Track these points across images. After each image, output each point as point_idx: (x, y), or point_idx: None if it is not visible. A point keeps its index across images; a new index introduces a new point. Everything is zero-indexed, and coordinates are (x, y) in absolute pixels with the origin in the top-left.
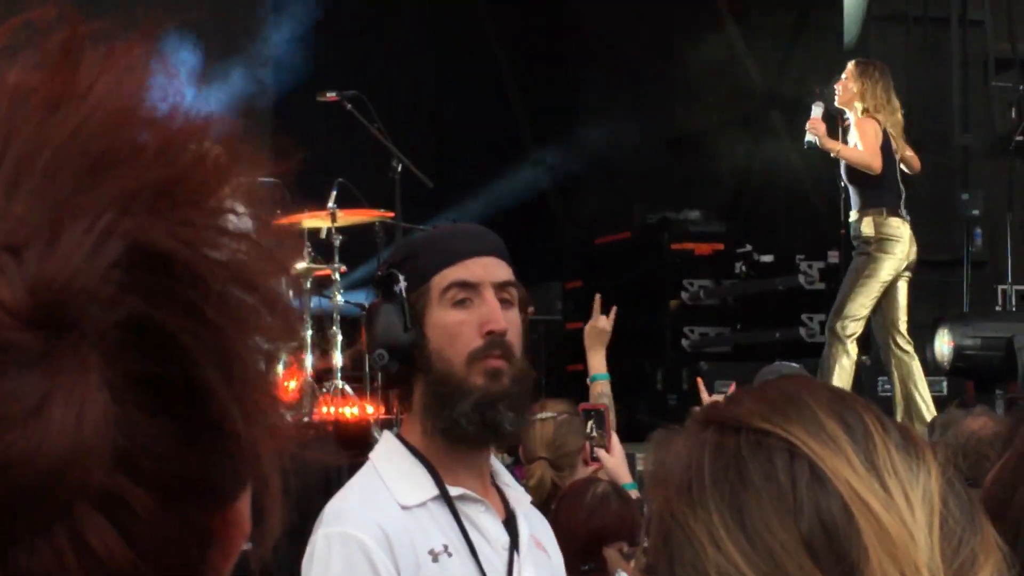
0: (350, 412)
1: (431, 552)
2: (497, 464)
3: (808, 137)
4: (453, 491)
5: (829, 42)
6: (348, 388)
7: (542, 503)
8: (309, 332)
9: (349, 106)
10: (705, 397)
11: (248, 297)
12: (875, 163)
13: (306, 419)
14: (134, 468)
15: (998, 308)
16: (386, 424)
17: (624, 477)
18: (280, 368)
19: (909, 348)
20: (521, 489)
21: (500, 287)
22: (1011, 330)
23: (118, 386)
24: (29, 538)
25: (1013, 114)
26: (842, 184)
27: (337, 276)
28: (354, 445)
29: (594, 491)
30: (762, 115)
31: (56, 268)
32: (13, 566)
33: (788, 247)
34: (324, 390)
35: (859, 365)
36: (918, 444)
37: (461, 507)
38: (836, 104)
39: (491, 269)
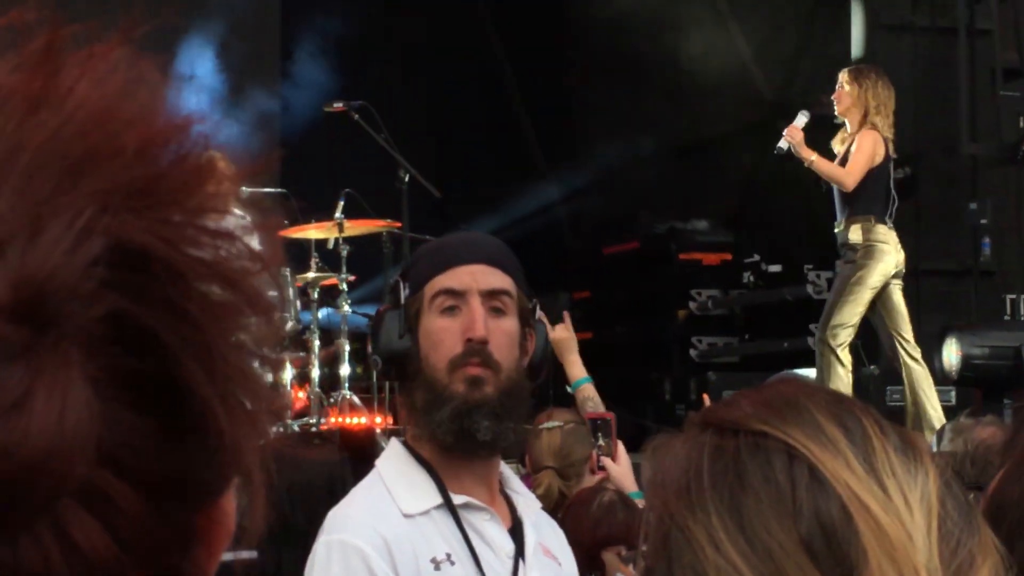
0: (357, 422)
1: (433, 560)
2: (508, 471)
3: (781, 143)
4: (457, 499)
5: (836, 52)
6: (356, 399)
7: (549, 512)
8: (317, 343)
9: (356, 116)
10: None
11: (230, 295)
12: (848, 180)
13: (313, 429)
14: (117, 463)
15: (1006, 317)
16: (393, 434)
17: (630, 486)
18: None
19: (917, 355)
20: (532, 496)
21: (489, 295)
22: (1019, 339)
23: (100, 382)
24: (12, 533)
25: (1021, 123)
26: (823, 189)
27: (344, 286)
28: (359, 454)
29: (600, 500)
30: (769, 124)
31: (37, 264)
32: None
33: (796, 257)
34: (332, 400)
35: (867, 375)
36: (916, 447)
37: (465, 515)
38: (836, 114)
39: (480, 277)
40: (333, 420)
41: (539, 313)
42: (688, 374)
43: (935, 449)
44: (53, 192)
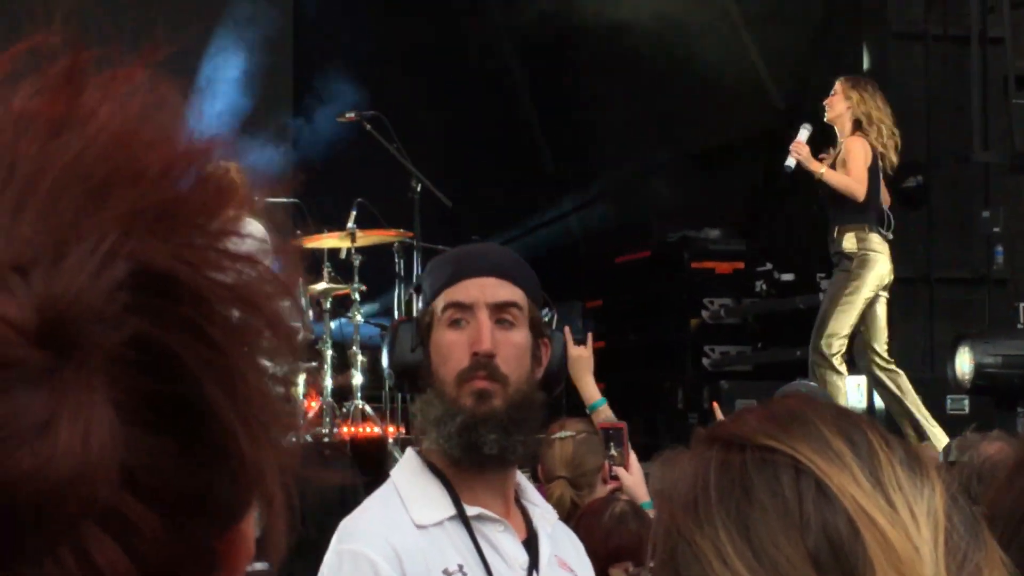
0: (369, 431)
1: (445, 572)
2: (525, 482)
3: (788, 160)
4: (470, 510)
5: (849, 60)
6: (368, 408)
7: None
8: (329, 353)
9: (368, 126)
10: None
11: (251, 317)
12: (859, 190)
13: (325, 439)
14: (139, 487)
15: (1019, 326)
16: (405, 444)
17: (643, 495)
18: (299, 389)
19: (892, 365)
20: (548, 508)
21: (498, 308)
22: None
23: (123, 405)
24: (36, 555)
25: None
26: (819, 196)
27: (356, 296)
28: (371, 464)
29: (612, 511)
30: (781, 133)
31: (62, 287)
32: None
33: (808, 266)
34: (344, 410)
35: (871, 385)
36: (922, 461)
37: (478, 527)
38: (826, 120)
39: (488, 290)
40: (345, 430)
41: (565, 332)
42: (700, 383)
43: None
44: (76, 215)
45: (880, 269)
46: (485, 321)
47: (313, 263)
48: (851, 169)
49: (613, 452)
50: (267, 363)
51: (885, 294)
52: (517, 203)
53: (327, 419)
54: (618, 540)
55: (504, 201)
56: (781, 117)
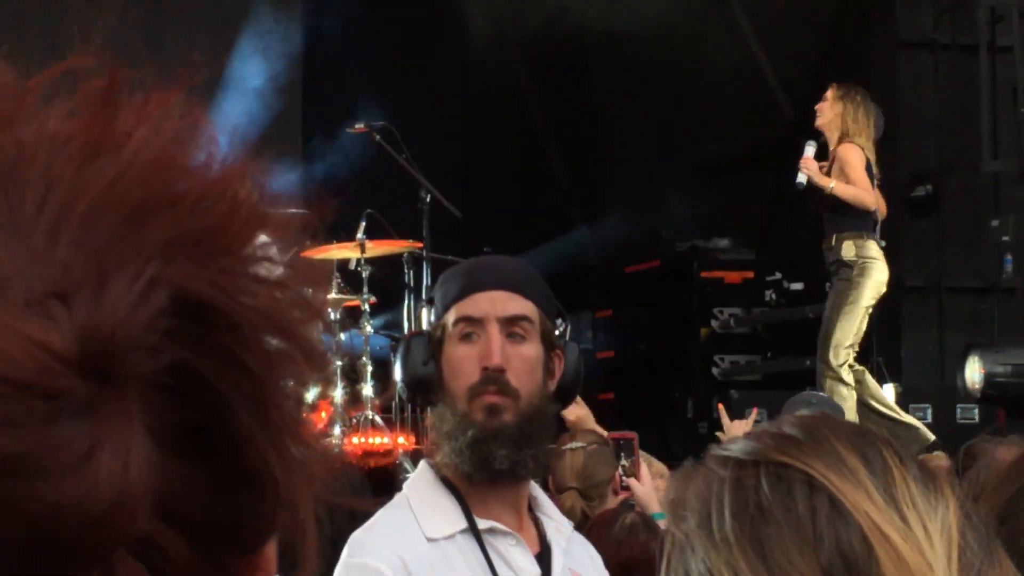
0: (379, 443)
1: None
2: (541, 495)
3: (799, 177)
4: (481, 524)
5: (858, 70)
6: (378, 419)
7: None
8: (339, 363)
9: (378, 137)
10: (727, 422)
11: (284, 344)
12: (869, 199)
13: (336, 451)
14: (171, 514)
15: None
16: (415, 455)
17: (654, 506)
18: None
19: (864, 378)
20: (564, 520)
21: (509, 321)
22: None
23: (158, 433)
24: None
25: None
26: (798, 180)
27: (366, 307)
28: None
29: (622, 522)
30: (790, 142)
31: (104, 316)
32: None
33: (818, 275)
34: (354, 421)
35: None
36: (936, 478)
37: (490, 540)
38: (816, 125)
39: (498, 304)
40: (355, 441)
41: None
42: (710, 392)
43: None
44: (113, 241)
45: (878, 276)
46: (495, 335)
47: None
48: (853, 178)
49: (624, 462)
50: (298, 387)
51: (873, 302)
52: (527, 213)
53: (337, 430)
54: (628, 551)
55: (514, 211)
56: (791, 127)
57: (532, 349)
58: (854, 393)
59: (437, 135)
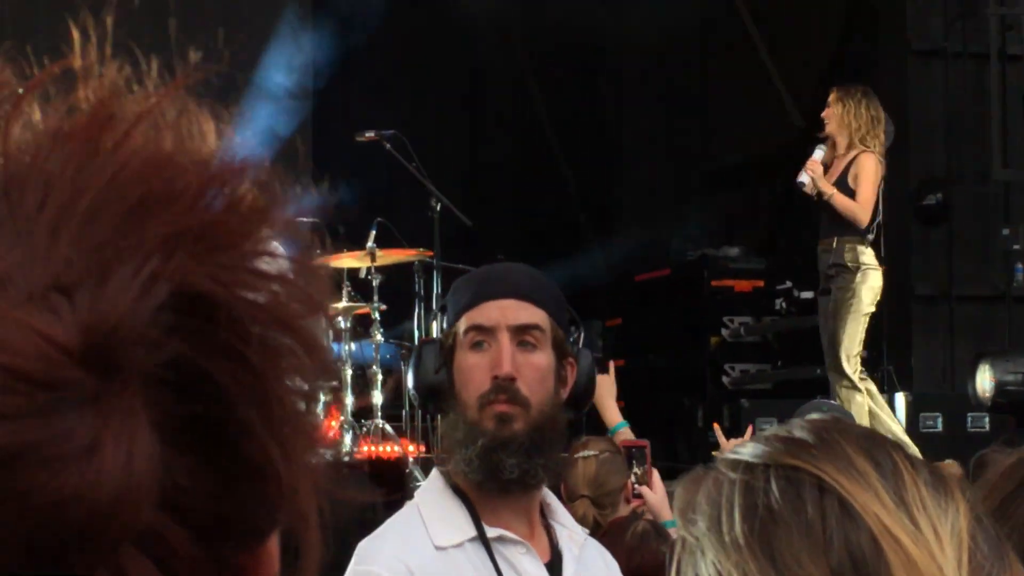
0: (389, 450)
1: None
2: (555, 502)
3: (802, 176)
4: (491, 532)
5: (868, 78)
6: (388, 427)
7: None
8: (349, 371)
9: (388, 146)
10: (723, 442)
11: (286, 339)
12: (864, 217)
13: (345, 458)
14: (175, 507)
15: None
16: (425, 463)
17: (666, 514)
18: (320, 408)
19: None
20: (578, 528)
21: (519, 330)
22: None
23: (162, 427)
24: None
25: None
26: (799, 180)
27: (376, 315)
28: (390, 483)
29: (634, 530)
30: (799, 150)
31: (106, 309)
32: None
33: None
34: (364, 429)
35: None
36: (947, 482)
37: (499, 548)
38: (826, 132)
39: (509, 312)
40: (366, 449)
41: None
42: (721, 401)
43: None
44: (113, 236)
45: (875, 283)
46: (506, 344)
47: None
48: (861, 192)
49: (636, 470)
50: (299, 382)
51: None
52: (536, 221)
53: (347, 438)
54: (640, 559)
55: (522, 220)
56: (800, 135)
57: (543, 357)
58: (868, 401)
59: (445, 143)
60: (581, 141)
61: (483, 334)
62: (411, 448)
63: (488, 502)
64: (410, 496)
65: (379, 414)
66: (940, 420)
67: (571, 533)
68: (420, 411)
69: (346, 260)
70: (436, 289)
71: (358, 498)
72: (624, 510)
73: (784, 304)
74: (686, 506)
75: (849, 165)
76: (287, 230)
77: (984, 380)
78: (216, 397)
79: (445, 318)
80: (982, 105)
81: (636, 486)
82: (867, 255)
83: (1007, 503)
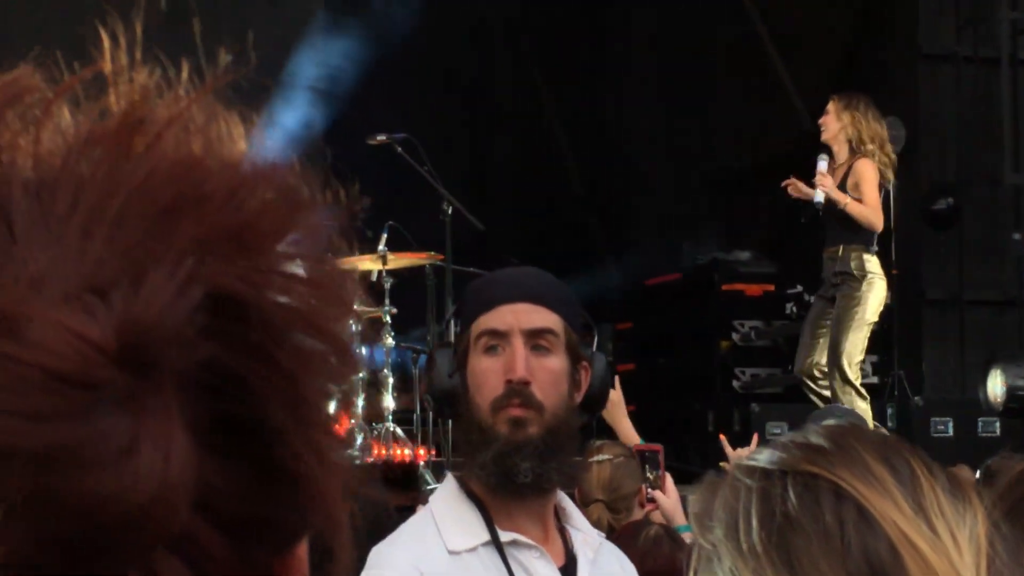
0: (400, 454)
1: None
2: (570, 506)
3: (817, 197)
4: (504, 536)
5: (878, 82)
6: (399, 431)
7: None
8: (361, 375)
9: (399, 149)
10: (729, 452)
11: (316, 341)
12: (879, 221)
13: (357, 462)
14: (208, 509)
15: None
16: (437, 467)
17: (679, 518)
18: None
19: (824, 380)
20: (592, 531)
21: (533, 334)
22: None
23: (196, 429)
24: None
25: None
26: (802, 221)
27: (388, 319)
28: (401, 487)
29: (646, 534)
30: (809, 152)
31: (142, 310)
32: None
33: None
34: (375, 433)
35: (912, 405)
36: (964, 488)
37: (512, 553)
38: (822, 140)
39: (523, 316)
40: (376, 452)
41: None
42: (731, 405)
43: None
44: (145, 238)
45: (880, 292)
46: (520, 348)
47: None
48: (866, 197)
49: (649, 474)
50: (328, 385)
51: None
52: (546, 226)
53: (358, 441)
54: (653, 564)
55: (533, 223)
56: (810, 139)
57: (557, 361)
58: (869, 405)
59: (450, 146)
60: (589, 144)
61: (497, 338)
62: (422, 452)
63: (502, 506)
64: (421, 500)
65: (390, 418)
66: (951, 425)
67: (586, 537)
68: (431, 415)
69: (357, 263)
70: (448, 293)
71: (380, 502)
72: (638, 514)
73: (795, 308)
74: (703, 513)
75: (847, 173)
76: (316, 233)
77: (995, 385)
78: (248, 399)
79: (458, 323)
80: (993, 109)
81: (649, 490)
82: (873, 263)
83: (1016, 510)
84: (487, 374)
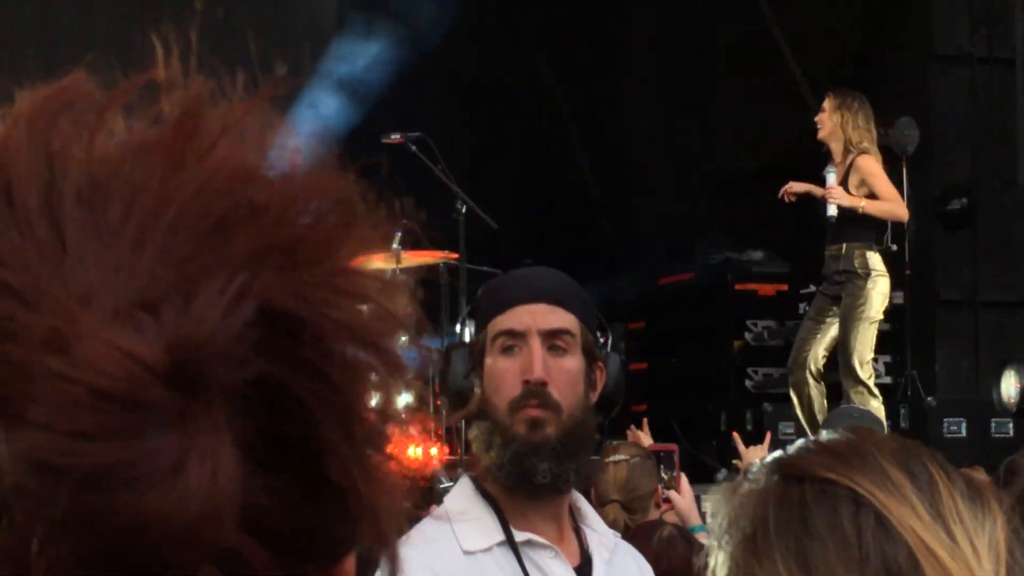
0: (414, 453)
1: None
2: (585, 506)
3: (830, 211)
4: (519, 536)
5: (892, 82)
6: (412, 431)
7: None
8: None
9: (414, 148)
10: (742, 449)
11: (368, 356)
12: (902, 210)
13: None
14: (256, 525)
15: None
16: (450, 467)
17: (694, 518)
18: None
19: (821, 382)
20: (608, 532)
21: (550, 335)
22: None
23: (244, 445)
24: None
25: None
26: (829, 214)
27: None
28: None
29: (660, 534)
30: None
31: (193, 327)
32: None
33: None
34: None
35: (925, 406)
36: (983, 493)
37: (528, 553)
38: (819, 137)
39: (540, 317)
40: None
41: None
42: (744, 405)
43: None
44: (197, 251)
45: (884, 288)
46: (537, 349)
47: None
48: (880, 189)
49: (664, 475)
50: (381, 400)
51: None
52: (559, 225)
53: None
54: (667, 564)
55: (545, 223)
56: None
57: (574, 362)
58: (882, 404)
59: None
60: (601, 143)
61: (514, 339)
62: (433, 452)
63: (517, 506)
64: (436, 499)
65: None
66: (964, 426)
67: (601, 537)
68: (445, 415)
69: (371, 263)
70: (462, 292)
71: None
72: (654, 515)
73: (808, 308)
74: (719, 517)
75: (848, 171)
76: (370, 246)
77: (1009, 386)
78: (299, 415)
79: (473, 323)
80: (1007, 110)
81: (664, 491)
82: (876, 260)
83: None
84: (504, 374)
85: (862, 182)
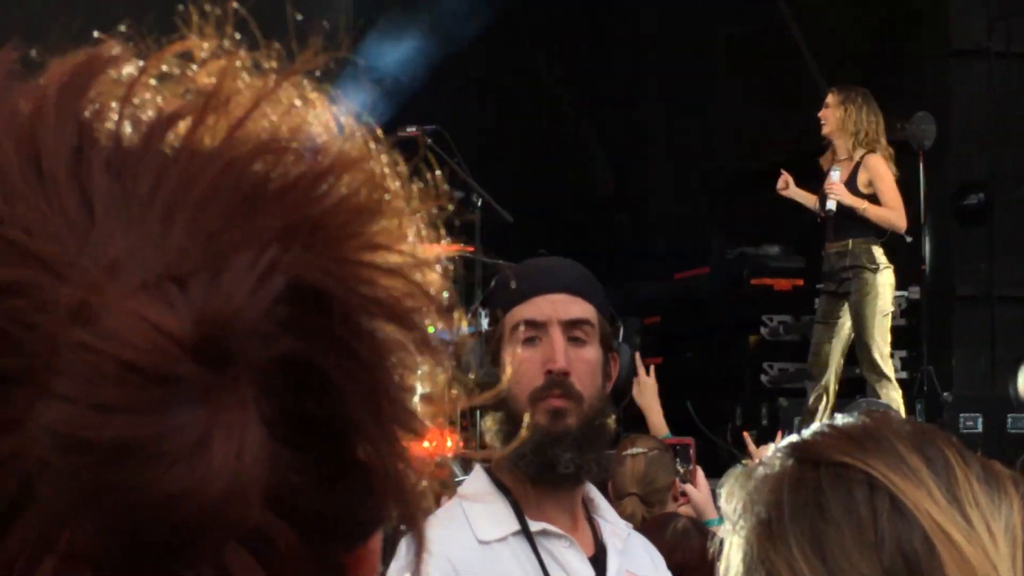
0: (427, 444)
1: None
2: (598, 497)
3: (829, 204)
4: (534, 526)
5: (909, 77)
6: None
7: None
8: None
9: (430, 140)
10: (753, 450)
11: (399, 334)
12: (902, 222)
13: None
14: (281, 504)
15: None
16: (463, 459)
17: (710, 512)
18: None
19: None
20: (621, 523)
21: (570, 325)
22: None
23: (271, 422)
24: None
25: None
26: (828, 207)
27: None
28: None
29: (674, 526)
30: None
31: (222, 302)
32: None
33: None
34: None
35: (941, 401)
36: (1000, 477)
37: (542, 542)
38: (823, 133)
39: (560, 307)
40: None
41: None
42: (759, 400)
43: None
44: (227, 225)
45: (890, 278)
46: (559, 339)
47: None
48: (885, 194)
49: (680, 468)
50: (412, 379)
51: None
52: (575, 219)
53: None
54: (681, 556)
55: (560, 217)
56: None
57: (593, 352)
58: (902, 400)
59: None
60: (619, 138)
61: (535, 329)
62: (448, 443)
63: (533, 497)
64: (450, 490)
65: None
66: (980, 421)
67: (614, 528)
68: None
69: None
70: (477, 284)
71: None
72: (672, 508)
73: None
74: (734, 503)
75: (856, 169)
76: (400, 222)
77: None
78: (327, 393)
79: (487, 313)
80: None
81: (680, 484)
82: (880, 253)
83: None
84: (525, 365)
85: (870, 182)
